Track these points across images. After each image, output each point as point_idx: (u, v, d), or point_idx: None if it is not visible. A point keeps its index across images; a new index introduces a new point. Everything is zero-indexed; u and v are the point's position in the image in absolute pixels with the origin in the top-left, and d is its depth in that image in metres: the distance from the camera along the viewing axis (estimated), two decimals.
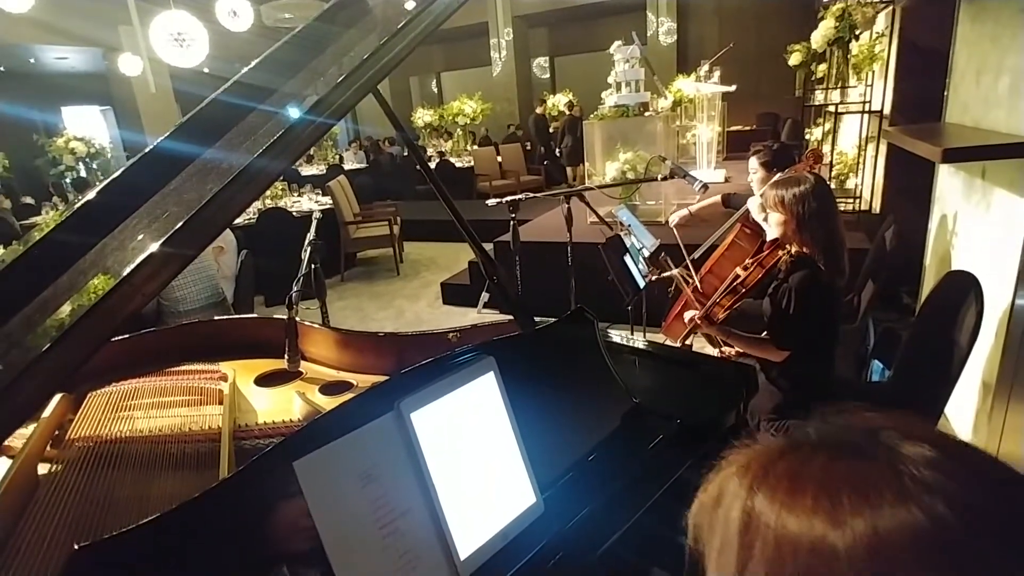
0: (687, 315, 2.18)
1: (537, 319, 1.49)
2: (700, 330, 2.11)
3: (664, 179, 2.93)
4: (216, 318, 2.22)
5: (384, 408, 0.84)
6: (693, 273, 2.42)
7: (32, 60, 10.50)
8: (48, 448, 1.34)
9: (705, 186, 2.76)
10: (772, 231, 2.05)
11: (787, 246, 1.93)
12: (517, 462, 0.96)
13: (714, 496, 0.46)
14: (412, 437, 0.84)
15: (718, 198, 3.19)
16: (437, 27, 1.17)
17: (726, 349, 2.39)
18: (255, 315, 2.84)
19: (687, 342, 2.75)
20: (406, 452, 0.84)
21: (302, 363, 1.74)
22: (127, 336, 1.79)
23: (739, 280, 2.03)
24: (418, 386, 0.88)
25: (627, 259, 2.60)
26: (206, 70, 7.64)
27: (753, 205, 2.88)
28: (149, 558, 0.68)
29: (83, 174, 8.01)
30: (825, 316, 1.94)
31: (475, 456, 0.92)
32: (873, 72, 4.19)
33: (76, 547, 0.59)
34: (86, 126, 10.11)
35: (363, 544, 0.76)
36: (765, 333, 2.01)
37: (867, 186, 4.49)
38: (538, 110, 11.02)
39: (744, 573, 0.41)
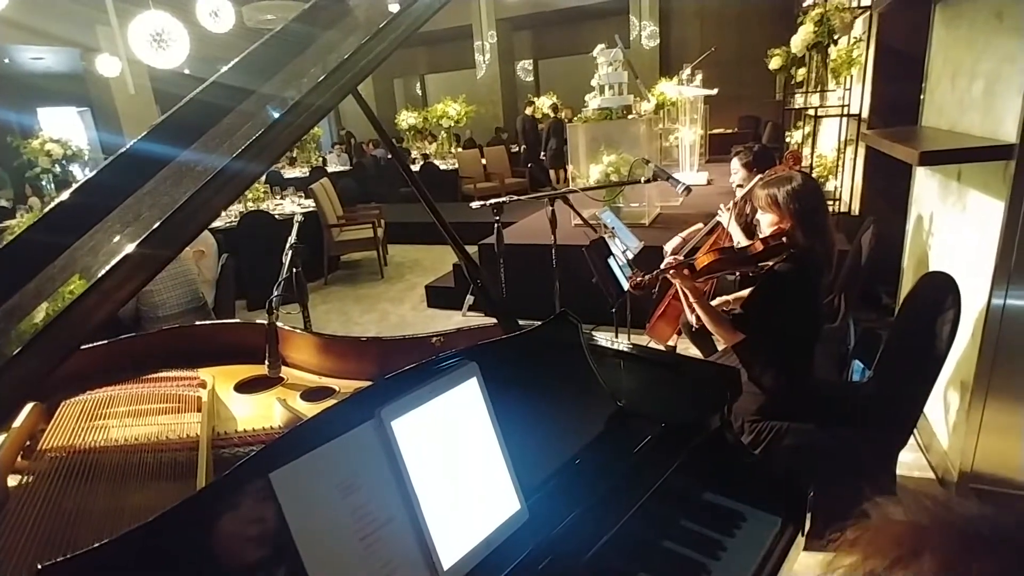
0: (667, 255, 2.08)
1: (522, 322, 1.48)
2: (676, 278, 2.03)
3: (647, 181, 2.95)
4: (196, 323, 2.18)
5: (365, 415, 0.83)
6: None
7: (7, 60, 10.28)
8: (19, 459, 1.30)
9: (688, 188, 2.78)
10: (766, 233, 2.03)
11: (789, 238, 1.91)
12: (501, 469, 0.95)
13: None
14: (393, 445, 0.83)
15: (700, 225, 3.17)
16: (417, 29, 1.16)
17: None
18: (236, 320, 2.80)
19: (669, 344, 2.74)
20: (387, 461, 0.82)
21: (283, 369, 1.71)
22: (103, 342, 1.75)
23: (734, 247, 1.99)
24: (399, 393, 0.87)
25: (611, 261, 2.61)
26: (187, 71, 7.53)
27: (724, 217, 2.87)
28: None
29: (60, 176, 7.83)
30: (804, 311, 1.95)
31: (458, 463, 0.91)
32: (851, 76, 4.25)
33: (40, 567, 0.57)
34: (63, 128, 9.90)
35: (344, 556, 0.74)
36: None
37: (846, 188, 4.56)
38: (527, 111, 11.04)
39: None
